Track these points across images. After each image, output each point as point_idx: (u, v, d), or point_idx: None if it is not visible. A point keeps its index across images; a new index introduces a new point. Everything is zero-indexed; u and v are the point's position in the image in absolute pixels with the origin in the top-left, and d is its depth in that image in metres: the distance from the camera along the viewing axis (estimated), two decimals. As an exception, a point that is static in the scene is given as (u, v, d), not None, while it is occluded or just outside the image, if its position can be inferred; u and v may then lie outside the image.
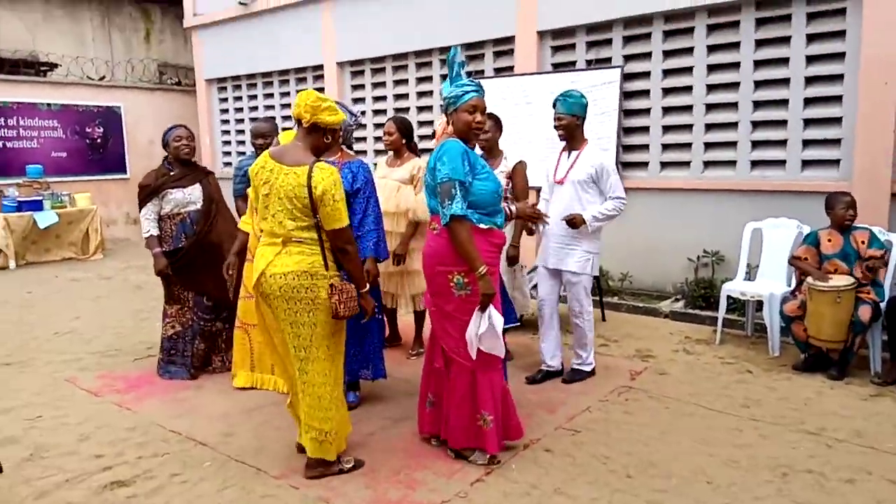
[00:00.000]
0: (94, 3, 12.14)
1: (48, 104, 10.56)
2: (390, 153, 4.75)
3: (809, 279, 4.31)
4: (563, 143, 4.21)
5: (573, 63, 6.79)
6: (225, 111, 10.94)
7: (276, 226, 2.90)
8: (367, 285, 3.10)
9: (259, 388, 4.21)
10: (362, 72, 8.76)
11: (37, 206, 9.01)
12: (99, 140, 11.08)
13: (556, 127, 4.14)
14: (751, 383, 4.28)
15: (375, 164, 4.78)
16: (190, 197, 4.37)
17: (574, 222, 3.99)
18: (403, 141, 4.61)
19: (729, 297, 5.13)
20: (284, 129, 3.84)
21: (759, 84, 5.76)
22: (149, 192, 4.30)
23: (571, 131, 4.10)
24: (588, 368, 4.34)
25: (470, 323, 3.01)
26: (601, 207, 4.05)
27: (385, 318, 5.00)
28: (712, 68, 6.00)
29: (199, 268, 4.39)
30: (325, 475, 3.07)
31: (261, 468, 3.19)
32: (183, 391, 4.26)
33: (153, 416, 3.86)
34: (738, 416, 3.77)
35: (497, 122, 4.55)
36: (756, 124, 5.83)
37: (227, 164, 10.97)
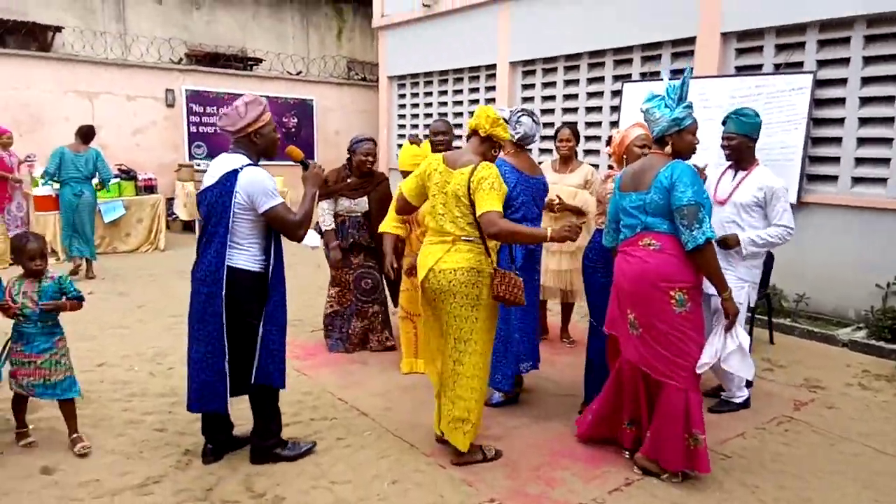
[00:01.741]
0: (295, 4, 13.39)
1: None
2: (557, 158, 4.92)
3: None
4: (728, 162, 4.05)
5: (759, 66, 6.42)
6: (402, 106, 11.61)
7: (446, 224, 3.14)
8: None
9: (420, 372, 4.50)
10: (534, 72, 8.89)
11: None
12: (293, 129, 12.25)
13: (724, 146, 3.97)
14: (936, 430, 3.88)
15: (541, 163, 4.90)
16: (355, 206, 4.82)
17: (727, 242, 3.82)
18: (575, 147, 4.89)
19: (921, 333, 4.65)
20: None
21: (981, 96, 5.11)
22: (327, 191, 4.78)
23: (741, 153, 3.93)
24: (739, 400, 4.12)
25: (709, 344, 3.11)
26: (763, 231, 3.84)
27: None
28: (922, 77, 5.41)
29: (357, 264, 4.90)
30: (469, 462, 3.30)
31: (414, 444, 3.49)
32: (351, 364, 4.71)
33: (325, 384, 4.33)
34: (916, 464, 3.46)
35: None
36: (973, 141, 5.18)
37: (401, 155, 11.63)
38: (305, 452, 3.35)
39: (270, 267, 3.10)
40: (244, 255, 3.04)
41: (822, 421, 3.98)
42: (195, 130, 11.32)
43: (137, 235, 8.83)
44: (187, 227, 10.50)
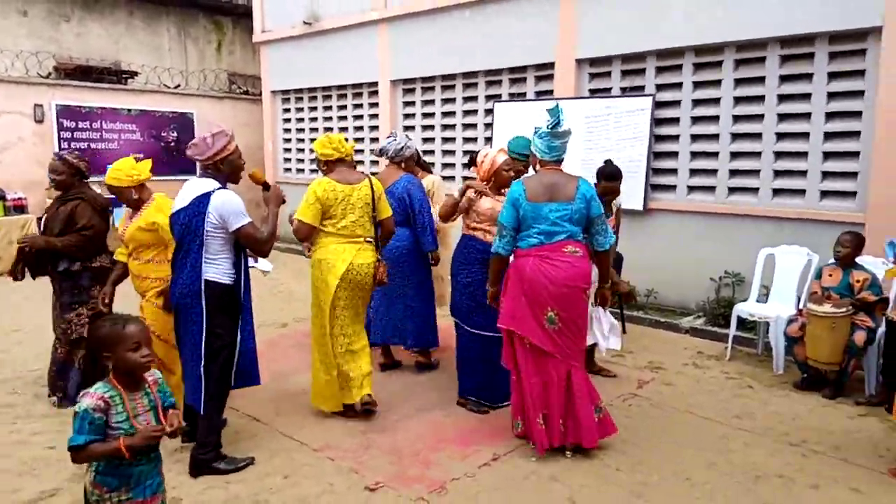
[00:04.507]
0: (171, 16, 13.14)
1: (128, 109, 11.53)
2: None
3: (809, 304, 4.65)
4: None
5: (609, 90, 7.22)
6: (287, 121, 11.76)
7: (357, 229, 3.99)
8: None
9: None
10: (413, 90, 9.37)
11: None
12: (172, 143, 12.02)
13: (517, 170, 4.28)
14: (749, 398, 4.65)
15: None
16: None
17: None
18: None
19: (743, 317, 5.49)
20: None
21: (782, 117, 6.09)
22: None
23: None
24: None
25: (598, 322, 4.24)
26: None
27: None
28: (739, 100, 6.35)
29: None
30: (374, 408, 4.11)
31: (304, 442, 3.80)
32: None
33: (216, 395, 4.52)
34: (729, 425, 4.17)
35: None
36: (778, 154, 6.15)
37: (287, 169, 11.77)
38: (243, 466, 3.50)
39: (241, 281, 3.46)
40: (216, 269, 3.35)
41: (660, 396, 4.66)
42: (67, 146, 10.87)
43: (8, 257, 8.42)
44: (61, 247, 10.07)
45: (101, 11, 12.18)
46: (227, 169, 3.44)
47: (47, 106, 10.54)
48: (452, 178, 8.79)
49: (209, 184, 3.38)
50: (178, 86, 12.58)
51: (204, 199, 3.31)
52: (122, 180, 3.90)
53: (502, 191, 4.16)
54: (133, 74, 12.02)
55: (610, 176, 4.77)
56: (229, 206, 3.31)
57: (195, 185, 3.41)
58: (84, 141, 11.06)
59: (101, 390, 2.14)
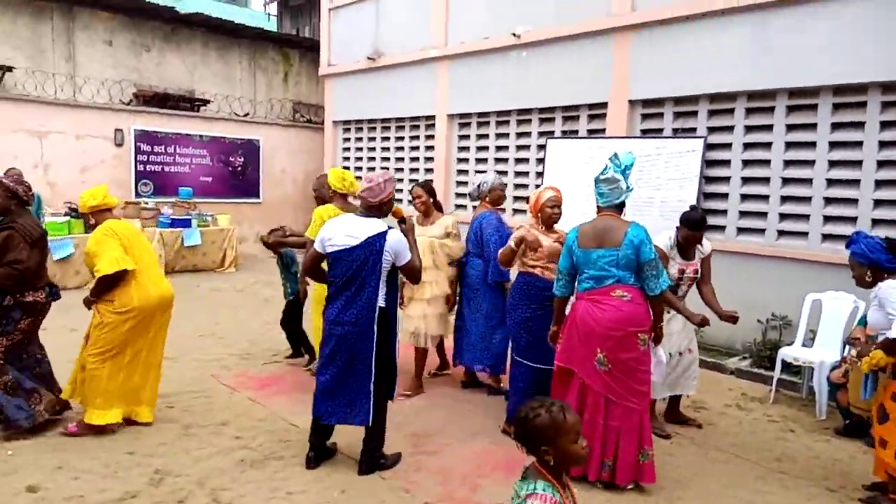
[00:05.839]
0: (243, 48, 13.94)
1: (200, 136, 12.27)
2: (419, 214, 5.47)
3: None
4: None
5: (660, 130, 7.41)
6: (347, 149, 12.29)
7: None
8: None
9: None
10: (469, 124, 9.73)
11: (186, 223, 10.59)
12: (239, 168, 12.71)
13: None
14: (790, 441, 4.72)
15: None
16: None
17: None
18: (431, 201, 5.43)
19: (788, 361, 5.54)
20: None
21: (833, 163, 6.16)
22: None
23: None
24: None
25: (653, 367, 3.92)
26: None
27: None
28: (790, 145, 6.45)
29: None
30: None
31: (358, 460, 4.06)
32: (302, 394, 5.22)
33: (278, 411, 4.85)
34: (769, 468, 4.26)
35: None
36: (829, 200, 6.22)
37: (345, 195, 12.26)
38: (396, 459, 4.03)
39: (394, 304, 3.94)
40: (381, 297, 3.81)
41: (702, 435, 4.77)
42: (142, 169, 11.65)
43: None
44: (133, 262, 10.73)
45: (179, 43, 13.03)
46: (386, 209, 3.96)
47: (127, 131, 11.35)
48: (503, 209, 9.05)
49: (377, 223, 3.82)
50: (247, 114, 13.31)
51: (381, 239, 3.74)
52: (81, 207, 4.60)
53: (554, 228, 4.49)
54: (205, 102, 12.79)
55: (693, 224, 4.58)
56: (402, 244, 3.82)
57: (363, 225, 3.80)
58: (158, 164, 11.82)
59: (549, 491, 1.94)
